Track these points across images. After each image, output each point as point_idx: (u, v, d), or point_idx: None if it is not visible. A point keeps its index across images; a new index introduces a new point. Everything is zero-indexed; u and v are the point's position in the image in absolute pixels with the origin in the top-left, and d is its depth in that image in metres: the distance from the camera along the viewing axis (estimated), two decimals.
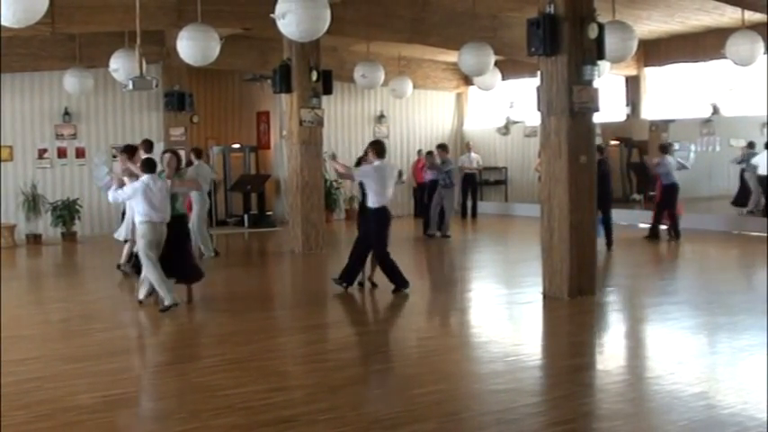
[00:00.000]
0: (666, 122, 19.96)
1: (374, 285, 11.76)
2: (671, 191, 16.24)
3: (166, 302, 10.22)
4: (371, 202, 11.31)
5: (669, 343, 8.92)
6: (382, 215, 11.36)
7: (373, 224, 11.37)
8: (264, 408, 6.58)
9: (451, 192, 18.03)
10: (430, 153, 18.74)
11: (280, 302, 11.88)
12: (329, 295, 11.48)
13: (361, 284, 11.75)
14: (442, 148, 18.42)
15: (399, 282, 11.43)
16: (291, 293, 12.77)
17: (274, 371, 7.91)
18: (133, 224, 12.36)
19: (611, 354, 8.59)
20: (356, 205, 22.38)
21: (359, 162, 12.42)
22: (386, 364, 8.07)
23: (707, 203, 15.52)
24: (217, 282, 12.71)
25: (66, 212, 18.59)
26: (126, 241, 12.86)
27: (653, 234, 16.46)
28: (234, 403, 6.71)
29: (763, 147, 17.72)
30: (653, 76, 20.77)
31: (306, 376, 7.81)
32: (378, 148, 11.48)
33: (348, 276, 11.54)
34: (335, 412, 6.45)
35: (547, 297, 10.93)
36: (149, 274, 10.27)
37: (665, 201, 16.36)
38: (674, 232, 16.33)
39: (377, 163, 11.33)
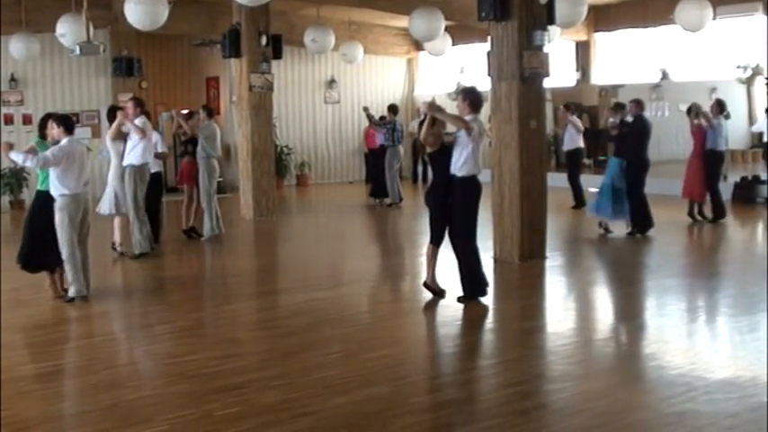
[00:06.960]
0: (616, 87, 20.06)
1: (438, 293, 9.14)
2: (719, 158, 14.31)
3: (77, 293, 9.24)
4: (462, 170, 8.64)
5: (619, 305, 9.03)
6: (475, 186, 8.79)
7: (460, 197, 8.72)
8: (216, 374, 6.56)
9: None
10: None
11: (230, 269, 11.81)
12: (280, 262, 11.45)
13: None
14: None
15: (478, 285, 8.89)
16: (242, 260, 12.69)
17: (225, 338, 7.89)
18: (116, 197, 11.66)
19: (561, 316, 8.67)
20: (307, 171, 22.40)
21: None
22: (338, 329, 8.07)
23: (656, 168, 15.55)
24: (166, 250, 12.61)
25: (14, 180, 18.30)
26: (113, 216, 12.02)
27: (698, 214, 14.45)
28: (185, 370, 6.69)
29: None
30: (603, 42, 20.87)
31: (257, 343, 7.80)
32: (474, 98, 8.71)
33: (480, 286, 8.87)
34: (287, 378, 6.45)
35: (498, 261, 11.00)
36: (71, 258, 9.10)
37: (714, 169, 14.24)
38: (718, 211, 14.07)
39: (469, 117, 8.63)
